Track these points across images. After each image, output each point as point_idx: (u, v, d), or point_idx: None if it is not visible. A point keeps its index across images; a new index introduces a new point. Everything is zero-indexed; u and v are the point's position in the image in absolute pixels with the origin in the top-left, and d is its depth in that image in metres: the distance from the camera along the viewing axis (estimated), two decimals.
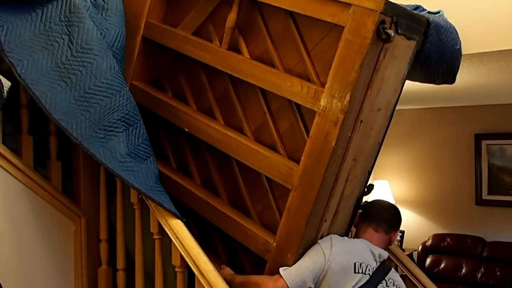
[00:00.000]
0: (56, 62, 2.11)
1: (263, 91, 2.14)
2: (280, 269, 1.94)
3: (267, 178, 2.12)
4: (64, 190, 2.45)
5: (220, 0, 2.28)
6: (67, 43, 2.14)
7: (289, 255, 1.96)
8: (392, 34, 1.75)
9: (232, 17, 2.17)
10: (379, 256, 2.03)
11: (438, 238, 6.10)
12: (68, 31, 2.16)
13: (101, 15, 2.32)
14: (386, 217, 2.16)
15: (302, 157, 1.92)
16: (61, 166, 2.46)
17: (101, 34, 2.24)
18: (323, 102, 1.86)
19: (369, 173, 2.10)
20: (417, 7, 2.25)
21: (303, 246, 1.96)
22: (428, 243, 6.12)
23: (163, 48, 2.48)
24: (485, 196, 6.11)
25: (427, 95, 5.02)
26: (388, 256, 2.15)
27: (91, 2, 2.32)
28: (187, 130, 2.32)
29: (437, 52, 2.07)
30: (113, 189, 2.46)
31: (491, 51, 3.69)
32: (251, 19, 2.18)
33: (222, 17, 2.28)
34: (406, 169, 6.33)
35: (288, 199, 1.96)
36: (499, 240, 5.89)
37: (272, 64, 2.11)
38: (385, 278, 1.99)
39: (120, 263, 2.42)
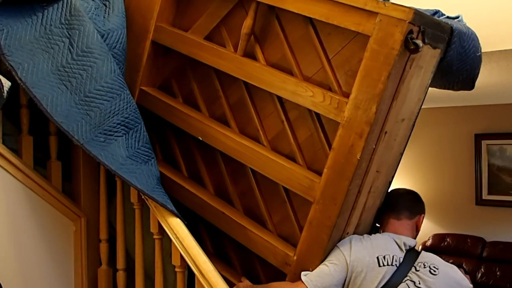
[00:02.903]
0: (56, 65, 2.10)
1: (280, 99, 2.08)
2: (302, 274, 1.90)
3: (285, 188, 2.07)
4: (64, 190, 2.44)
5: (234, 4, 2.21)
6: (68, 46, 2.13)
7: (310, 269, 1.91)
8: (421, 45, 1.69)
9: (248, 22, 2.11)
10: (405, 244, 1.96)
11: (438, 238, 6.11)
12: (69, 34, 2.14)
13: (103, 16, 2.30)
14: (405, 203, 2.09)
15: (325, 169, 1.87)
16: (61, 166, 2.44)
17: (103, 36, 2.22)
18: (347, 113, 1.80)
19: (390, 183, 2.06)
20: (436, 12, 2.20)
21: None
22: (428, 243, 6.12)
23: (172, 52, 2.41)
24: (485, 196, 6.12)
25: (427, 95, 4.99)
26: None
27: (94, 4, 2.29)
28: (200, 139, 2.25)
29: (459, 59, 2.03)
30: (113, 189, 2.44)
31: (491, 51, 3.67)
32: (267, 25, 2.12)
33: (236, 21, 2.22)
34: (406, 169, 6.31)
35: (309, 212, 1.91)
36: (499, 240, 5.91)
37: (289, 72, 2.05)
38: (414, 265, 1.92)
39: (120, 263, 2.41)
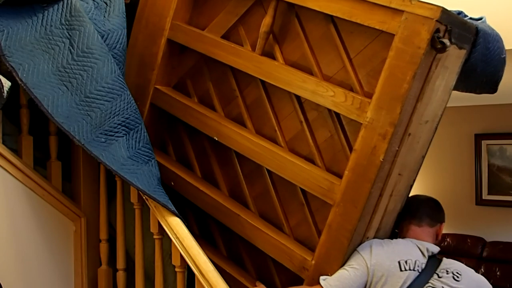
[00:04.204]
0: (57, 66, 2.10)
1: (299, 99, 2.04)
2: (320, 278, 1.85)
3: (302, 190, 2.02)
4: (64, 190, 2.43)
5: (252, 3, 2.17)
6: (68, 47, 2.13)
7: (329, 274, 1.86)
8: (448, 44, 1.65)
9: (267, 21, 2.06)
10: (427, 250, 1.91)
11: None
12: (69, 34, 2.14)
13: (104, 16, 2.30)
14: (426, 210, 2.05)
15: (346, 172, 1.82)
16: (61, 166, 2.43)
17: (103, 37, 2.22)
18: (370, 114, 1.76)
19: (411, 187, 2.01)
20: (459, 13, 2.15)
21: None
22: None
23: (188, 50, 2.37)
24: (485, 196, 6.08)
25: None
26: None
27: (94, 4, 2.28)
28: (216, 139, 2.21)
29: (483, 61, 1.98)
30: (113, 190, 2.43)
31: None
32: (287, 23, 2.08)
33: (254, 20, 2.18)
34: None
35: (329, 215, 1.86)
36: (499, 240, 5.87)
37: (309, 71, 2.01)
38: (437, 272, 1.87)
39: (120, 263, 2.40)
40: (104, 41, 2.22)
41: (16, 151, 2.29)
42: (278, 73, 2.02)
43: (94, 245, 2.47)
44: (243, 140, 2.15)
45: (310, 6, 1.92)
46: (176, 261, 2.09)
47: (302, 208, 2.04)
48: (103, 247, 2.46)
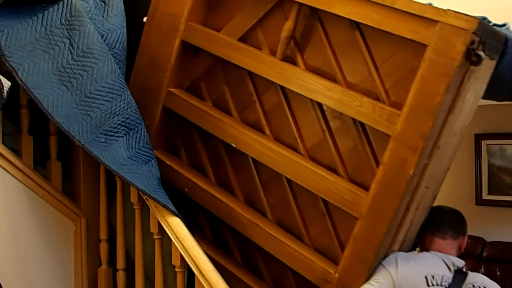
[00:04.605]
0: (57, 66, 2.10)
1: (321, 106, 1.98)
2: None
3: (324, 200, 1.97)
4: (64, 190, 2.43)
5: (272, 5, 2.10)
6: (68, 47, 2.13)
7: None
8: (483, 56, 1.60)
9: (289, 25, 2.00)
10: (453, 264, 1.88)
11: None
12: (69, 34, 2.14)
13: (103, 16, 2.28)
14: (450, 222, 2.01)
15: (373, 184, 1.77)
16: (61, 166, 2.43)
17: (103, 36, 2.23)
18: (400, 126, 1.71)
19: (435, 198, 1.97)
20: (484, 19, 2.10)
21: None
22: None
23: (203, 52, 2.29)
24: (485, 196, 6.08)
25: None
26: None
27: (94, 3, 2.27)
28: (233, 146, 2.15)
29: (510, 70, 1.94)
30: (113, 190, 2.42)
31: None
32: (309, 28, 2.01)
33: (274, 23, 2.11)
34: None
35: (353, 228, 1.82)
36: (499, 240, 5.87)
37: (331, 78, 1.95)
38: (463, 286, 1.84)
39: (120, 263, 2.39)
40: (104, 41, 2.23)
41: (16, 151, 2.28)
42: (302, 80, 1.96)
43: (94, 245, 2.47)
44: (262, 147, 2.09)
45: (337, 12, 1.85)
46: (176, 261, 2.08)
47: (323, 218, 1.99)
48: (103, 247, 2.45)
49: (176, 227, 2.04)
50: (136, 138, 2.20)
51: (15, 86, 2.11)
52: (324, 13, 1.95)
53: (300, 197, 2.07)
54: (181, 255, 2.03)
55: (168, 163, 2.35)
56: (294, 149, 2.06)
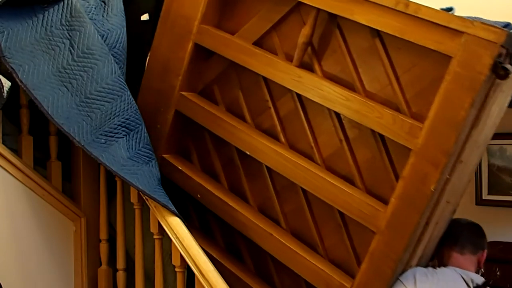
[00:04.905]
0: (57, 67, 2.10)
1: (339, 115, 1.92)
2: None
3: (340, 212, 1.92)
4: (64, 190, 2.43)
5: (289, 9, 2.03)
6: (68, 48, 2.13)
7: None
8: (511, 70, 1.53)
9: (306, 31, 1.94)
10: (472, 281, 1.84)
11: None
12: (69, 35, 2.14)
13: (102, 16, 2.27)
14: (469, 236, 1.96)
15: (392, 199, 1.72)
16: (61, 166, 2.43)
17: (103, 36, 2.22)
18: (421, 140, 1.65)
19: (455, 211, 1.92)
20: (507, 25, 2.04)
21: None
22: None
23: (217, 56, 2.24)
24: (485, 196, 5.99)
25: None
26: None
27: (94, 3, 2.26)
28: (248, 153, 2.10)
29: None
30: (113, 190, 2.42)
31: None
32: (327, 34, 1.95)
33: (290, 28, 2.05)
34: None
35: (371, 242, 1.77)
36: (499, 240, 5.80)
37: (349, 86, 1.89)
38: None
39: (120, 263, 2.40)
40: (104, 41, 2.21)
41: (16, 151, 2.28)
42: (319, 89, 1.90)
43: (94, 245, 2.48)
44: (276, 155, 2.04)
45: (358, 20, 1.79)
46: (176, 261, 2.08)
47: (339, 230, 1.95)
48: (103, 247, 2.45)
49: (176, 227, 2.04)
50: (136, 138, 2.20)
51: (15, 86, 2.11)
52: (343, 19, 1.88)
53: (315, 206, 2.02)
54: (181, 255, 2.03)
55: (180, 168, 2.31)
56: (310, 158, 2.01)
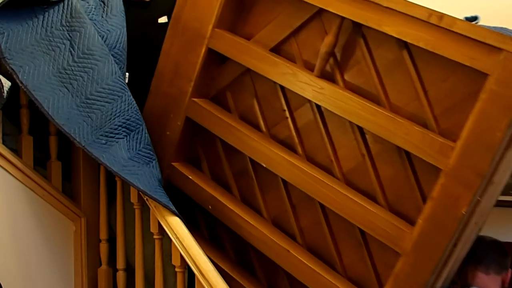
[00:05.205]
0: (57, 67, 2.10)
1: (361, 129, 1.85)
2: None
3: (361, 229, 1.85)
4: (64, 190, 2.42)
5: (310, 16, 1.94)
6: (69, 49, 2.13)
7: None
8: None
9: (329, 40, 1.85)
10: None
11: None
12: (70, 36, 2.14)
13: (102, 16, 2.26)
14: (494, 256, 1.92)
15: (420, 220, 1.65)
16: (61, 166, 2.42)
17: (103, 37, 2.21)
18: (453, 160, 1.58)
19: (480, 230, 1.86)
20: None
21: None
22: None
23: (231, 61, 2.14)
24: None
25: None
26: None
27: (94, 4, 2.25)
28: (264, 166, 2.02)
29: None
30: (113, 190, 2.39)
31: None
32: (350, 43, 1.87)
33: (310, 35, 1.97)
34: None
35: (396, 264, 1.70)
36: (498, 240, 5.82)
37: (373, 99, 1.81)
38: None
39: (120, 263, 2.39)
40: (104, 42, 2.21)
41: (16, 151, 2.27)
42: (342, 101, 1.82)
43: (94, 245, 2.47)
44: (293, 167, 1.96)
45: (386, 31, 1.70)
46: (176, 261, 2.07)
47: (359, 248, 1.88)
48: (103, 247, 2.44)
49: (176, 227, 2.03)
50: (137, 139, 2.20)
51: (15, 86, 2.09)
52: (368, 29, 1.80)
53: (333, 222, 1.94)
54: (181, 255, 2.02)
55: (190, 177, 2.23)
56: (329, 171, 1.93)
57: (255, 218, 2.09)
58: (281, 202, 2.07)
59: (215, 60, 2.18)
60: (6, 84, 2.08)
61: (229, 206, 2.12)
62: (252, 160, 2.11)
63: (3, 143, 2.20)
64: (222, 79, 2.20)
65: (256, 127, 2.12)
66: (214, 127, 2.17)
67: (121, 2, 2.37)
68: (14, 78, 2.00)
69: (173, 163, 2.28)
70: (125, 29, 2.33)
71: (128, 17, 2.48)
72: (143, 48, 2.57)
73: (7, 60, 1.99)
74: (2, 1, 2.02)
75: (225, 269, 2.16)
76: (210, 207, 2.18)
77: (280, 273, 2.10)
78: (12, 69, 1.98)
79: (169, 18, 2.47)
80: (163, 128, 2.27)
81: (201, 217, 2.35)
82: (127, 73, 2.50)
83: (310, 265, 1.92)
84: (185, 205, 2.36)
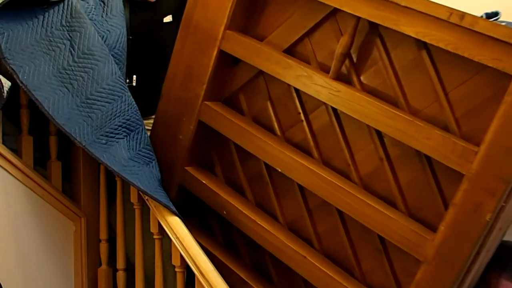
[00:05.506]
0: (58, 67, 2.10)
1: (379, 133, 1.79)
2: None
3: (380, 236, 1.80)
4: (64, 190, 2.43)
5: (324, 16, 1.89)
6: (69, 49, 2.13)
7: None
8: None
9: (345, 41, 1.80)
10: None
11: None
12: (70, 36, 2.14)
13: (102, 16, 2.26)
14: None
15: (441, 227, 1.59)
16: (61, 166, 2.43)
17: (103, 37, 2.22)
18: (476, 165, 1.52)
19: (504, 235, 1.80)
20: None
21: None
22: None
23: (243, 63, 2.10)
24: None
25: None
26: None
27: (93, 4, 2.24)
28: (279, 170, 1.97)
29: None
30: (113, 190, 2.40)
31: None
32: (367, 44, 1.81)
33: (325, 35, 1.91)
34: None
35: (417, 273, 1.65)
36: None
37: (391, 101, 1.76)
38: None
39: (120, 263, 2.40)
40: (104, 42, 2.21)
41: (16, 151, 2.28)
42: (359, 104, 1.76)
43: (94, 245, 2.48)
44: (308, 172, 1.91)
45: (405, 32, 1.64)
46: (176, 261, 2.07)
47: (378, 254, 1.83)
48: (103, 247, 2.46)
49: (176, 227, 2.03)
50: (137, 139, 2.21)
51: (15, 86, 2.10)
52: (385, 29, 1.74)
53: (351, 227, 1.89)
54: (181, 255, 2.02)
55: (204, 182, 2.18)
56: (346, 176, 1.88)
57: (271, 223, 2.05)
58: (297, 207, 2.02)
59: (228, 62, 2.13)
60: (6, 84, 2.09)
61: (244, 212, 2.08)
62: (266, 164, 2.06)
63: (3, 143, 2.21)
64: (235, 81, 2.16)
65: (270, 130, 2.07)
66: (227, 130, 2.13)
67: (121, 2, 2.37)
68: (14, 78, 2.00)
69: (186, 168, 2.24)
70: (125, 29, 2.34)
71: (133, 18, 2.49)
72: (149, 48, 2.55)
73: (7, 60, 1.99)
74: (2, 1, 2.02)
75: (241, 275, 2.12)
76: (224, 212, 2.13)
77: (297, 279, 2.05)
78: (12, 69, 1.99)
79: (173, 18, 2.45)
80: (175, 132, 2.23)
81: (215, 222, 2.31)
82: (134, 76, 2.50)
83: (327, 272, 1.87)
84: (199, 209, 2.34)
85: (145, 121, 2.60)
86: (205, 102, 2.15)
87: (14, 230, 2.22)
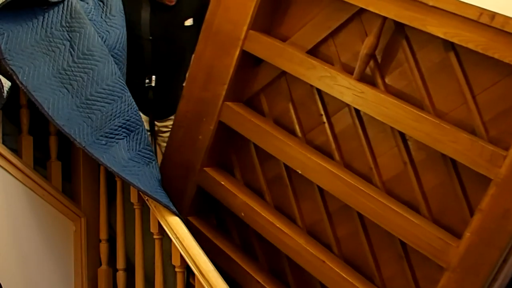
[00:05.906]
0: (57, 68, 2.11)
1: (403, 135, 1.75)
2: None
3: (401, 241, 1.75)
4: (64, 190, 2.45)
5: (349, 16, 1.86)
6: (68, 49, 2.13)
7: None
8: None
9: (370, 41, 1.76)
10: None
11: None
12: (70, 36, 2.14)
13: (101, 17, 2.26)
14: None
15: (467, 233, 1.54)
16: (61, 166, 2.45)
17: (103, 38, 2.22)
18: (505, 169, 1.47)
19: None
20: None
21: None
22: None
23: (265, 63, 2.08)
24: None
25: None
26: None
27: (93, 4, 2.24)
28: (299, 172, 1.94)
29: None
30: (113, 190, 2.40)
31: None
32: (392, 45, 1.78)
33: (349, 36, 1.89)
34: None
35: (441, 280, 1.60)
36: None
37: (416, 103, 1.72)
38: None
39: (120, 263, 2.41)
40: (104, 42, 2.21)
41: (16, 151, 2.29)
42: (384, 107, 1.72)
43: (94, 245, 2.49)
44: (330, 175, 1.87)
45: (432, 32, 1.61)
46: (176, 261, 2.08)
47: (400, 261, 1.78)
48: (103, 247, 2.47)
49: (176, 227, 2.04)
50: (136, 140, 2.22)
51: (15, 86, 2.10)
52: (411, 30, 1.71)
53: (372, 232, 1.85)
54: (181, 255, 2.02)
55: (223, 183, 2.16)
56: (368, 180, 1.84)
57: (290, 226, 2.01)
58: (316, 211, 1.99)
59: (250, 62, 2.11)
60: (6, 84, 2.09)
61: (262, 214, 2.05)
62: (286, 166, 2.03)
63: (3, 143, 2.22)
64: (256, 82, 2.14)
65: (292, 132, 2.04)
66: (247, 131, 2.11)
67: (121, 2, 2.37)
68: (14, 78, 2.00)
69: (205, 168, 2.22)
70: (124, 29, 2.33)
71: (153, 19, 2.48)
72: (169, 50, 2.54)
73: (7, 61, 1.99)
74: (2, 2, 2.02)
75: (257, 278, 2.09)
76: (242, 214, 2.11)
77: (315, 284, 2.01)
78: (12, 70, 1.99)
79: (194, 21, 2.44)
80: (195, 133, 2.22)
81: (232, 224, 2.28)
82: (153, 76, 2.50)
83: (347, 277, 1.83)
84: (216, 210, 2.32)
85: (163, 122, 2.61)
86: (226, 102, 2.14)
87: (14, 230, 2.23)
